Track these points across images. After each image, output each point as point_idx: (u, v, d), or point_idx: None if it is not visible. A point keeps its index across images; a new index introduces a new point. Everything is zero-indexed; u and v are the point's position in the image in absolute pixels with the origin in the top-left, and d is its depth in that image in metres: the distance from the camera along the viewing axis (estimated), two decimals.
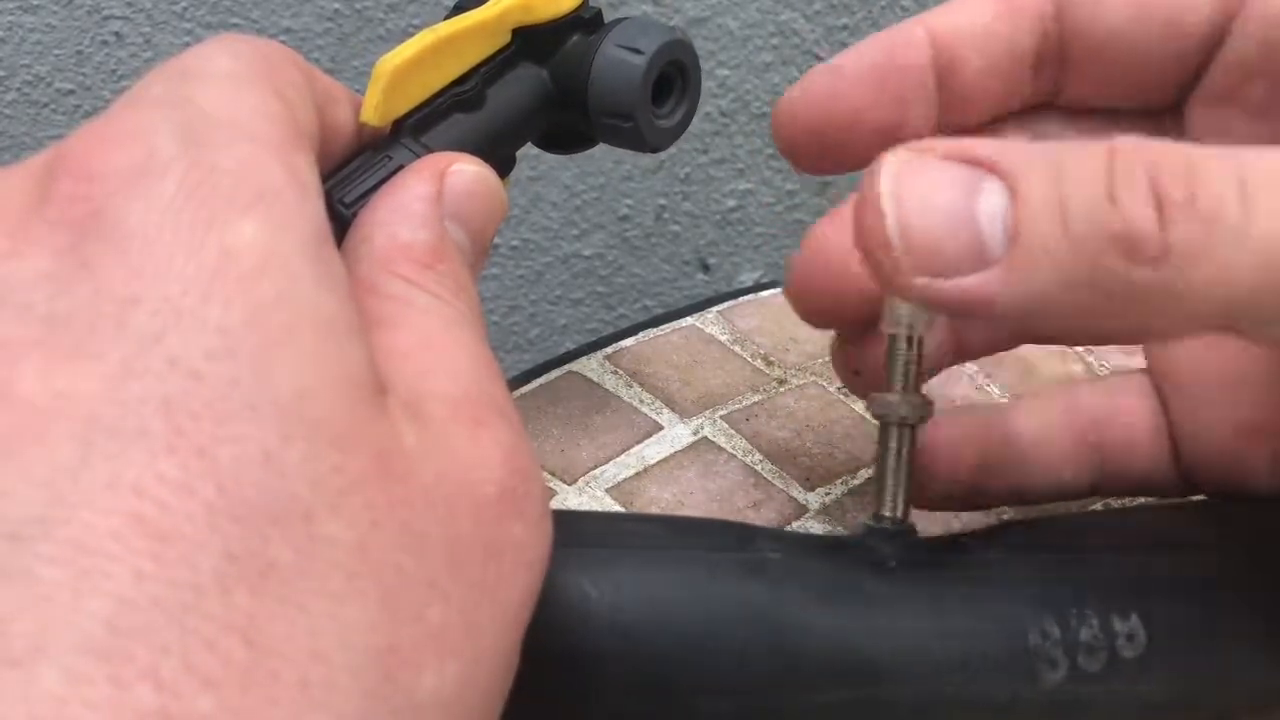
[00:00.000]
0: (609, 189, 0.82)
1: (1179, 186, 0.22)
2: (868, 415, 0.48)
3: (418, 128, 0.33)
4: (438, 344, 0.26)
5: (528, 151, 0.39)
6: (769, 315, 0.59)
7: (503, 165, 0.37)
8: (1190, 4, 0.29)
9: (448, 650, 0.22)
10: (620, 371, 0.54)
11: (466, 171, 0.30)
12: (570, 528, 0.31)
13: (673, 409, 0.52)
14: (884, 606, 0.30)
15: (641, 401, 0.53)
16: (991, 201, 0.24)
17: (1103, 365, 0.57)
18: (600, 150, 0.41)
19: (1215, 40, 0.30)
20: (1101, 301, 0.23)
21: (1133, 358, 0.58)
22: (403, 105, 0.33)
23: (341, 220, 0.29)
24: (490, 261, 0.79)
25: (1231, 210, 0.22)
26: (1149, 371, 0.37)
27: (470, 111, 0.35)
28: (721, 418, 0.52)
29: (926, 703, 0.30)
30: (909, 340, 0.31)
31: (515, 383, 0.54)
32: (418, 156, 0.31)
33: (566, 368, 0.54)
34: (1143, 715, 0.31)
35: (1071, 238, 0.23)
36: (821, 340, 0.57)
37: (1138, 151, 0.23)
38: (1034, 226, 0.23)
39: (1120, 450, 0.36)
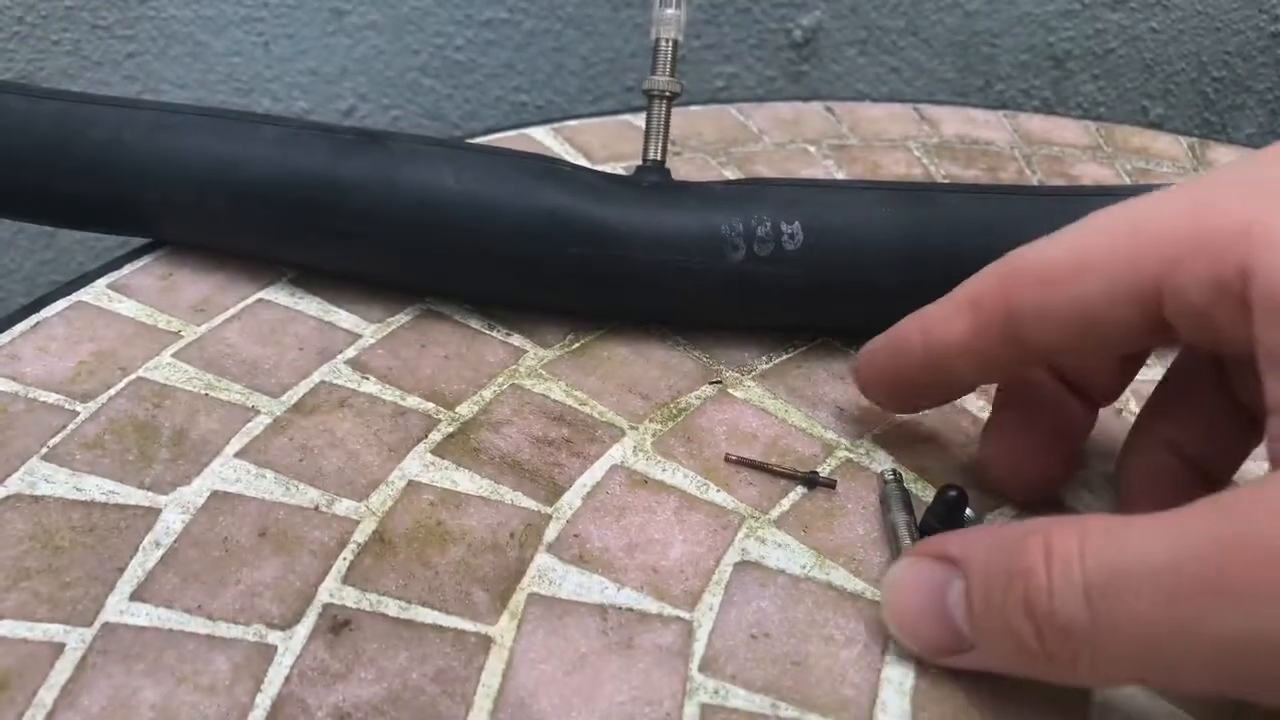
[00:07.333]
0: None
1: (1042, 602, 0.25)
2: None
3: None
4: None
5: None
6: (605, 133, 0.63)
7: None
8: (1115, 320, 0.29)
9: None
10: None
11: None
12: (435, 143, 0.47)
13: None
14: (632, 205, 0.45)
15: None
16: (956, 592, 0.28)
17: None
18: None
19: (1145, 343, 0.31)
20: (1044, 673, 0.26)
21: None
22: None
23: None
24: None
25: (1080, 623, 0.24)
26: None
27: None
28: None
29: (652, 266, 0.44)
30: (665, 41, 0.47)
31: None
32: None
33: None
34: (801, 296, 0.45)
35: (1003, 631, 0.26)
36: None
37: (1022, 559, 0.26)
38: (980, 621, 0.27)
39: None
